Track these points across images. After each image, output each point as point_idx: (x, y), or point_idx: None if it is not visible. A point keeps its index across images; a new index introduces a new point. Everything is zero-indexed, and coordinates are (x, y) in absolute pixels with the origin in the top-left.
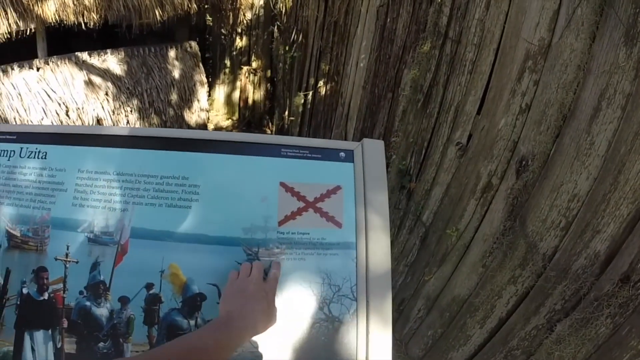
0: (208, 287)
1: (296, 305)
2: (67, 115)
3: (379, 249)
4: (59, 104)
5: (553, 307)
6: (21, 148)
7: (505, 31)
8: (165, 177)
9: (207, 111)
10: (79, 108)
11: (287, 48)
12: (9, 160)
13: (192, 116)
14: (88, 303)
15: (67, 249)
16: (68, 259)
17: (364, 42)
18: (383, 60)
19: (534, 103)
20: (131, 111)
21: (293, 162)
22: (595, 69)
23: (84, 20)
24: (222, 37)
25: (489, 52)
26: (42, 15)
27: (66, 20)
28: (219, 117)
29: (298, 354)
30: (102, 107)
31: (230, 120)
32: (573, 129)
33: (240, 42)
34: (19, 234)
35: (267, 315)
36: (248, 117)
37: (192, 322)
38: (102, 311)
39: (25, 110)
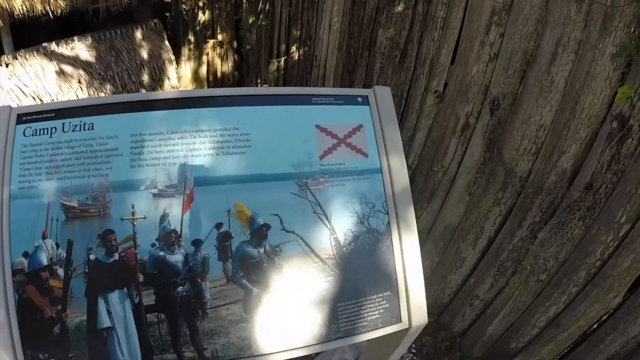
0: (270, 217)
1: (344, 222)
2: None
3: (398, 171)
4: (33, 98)
5: (533, 219)
6: (63, 124)
7: None
8: (217, 130)
9: (177, 89)
10: (53, 99)
11: (254, 17)
12: (50, 137)
13: None
14: (162, 253)
15: (133, 208)
16: (135, 217)
17: (336, 7)
18: (357, 22)
19: (501, 52)
20: (105, 96)
21: (323, 108)
22: (551, 21)
23: (50, 8)
24: (184, 13)
25: (458, 9)
26: (7, 8)
27: (33, 11)
28: None
29: (351, 262)
30: (77, 96)
31: None
32: (536, 71)
33: (203, 17)
34: (77, 205)
35: None
36: None
37: (262, 250)
38: (177, 257)
39: None
